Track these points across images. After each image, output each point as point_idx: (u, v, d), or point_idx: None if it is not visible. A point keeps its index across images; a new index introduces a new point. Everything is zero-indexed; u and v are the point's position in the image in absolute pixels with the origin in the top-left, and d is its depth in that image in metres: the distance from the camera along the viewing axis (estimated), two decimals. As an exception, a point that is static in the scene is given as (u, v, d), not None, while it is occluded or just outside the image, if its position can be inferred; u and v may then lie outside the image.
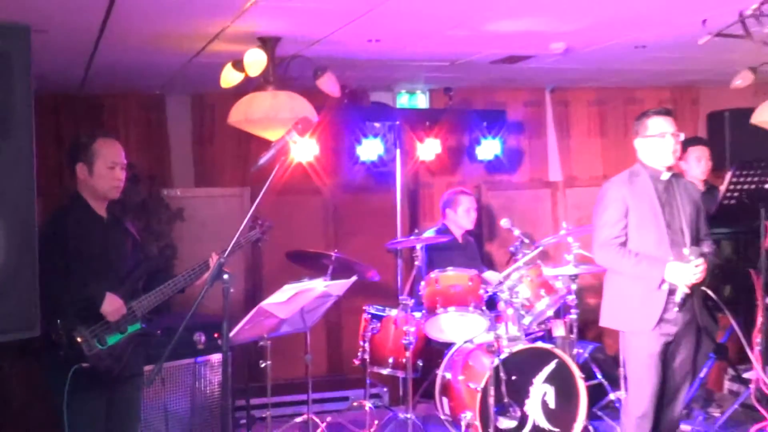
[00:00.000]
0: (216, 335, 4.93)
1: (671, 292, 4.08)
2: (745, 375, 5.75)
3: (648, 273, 4.06)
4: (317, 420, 5.53)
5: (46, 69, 5.37)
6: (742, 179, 5.25)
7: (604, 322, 4.40)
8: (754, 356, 5.61)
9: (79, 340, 3.52)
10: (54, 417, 3.44)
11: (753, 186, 5.27)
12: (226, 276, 3.26)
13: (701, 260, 4.05)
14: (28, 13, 3.86)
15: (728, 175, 5.23)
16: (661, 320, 4.09)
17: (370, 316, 5.64)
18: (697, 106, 7.88)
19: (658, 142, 4.13)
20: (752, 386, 5.64)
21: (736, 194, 5.24)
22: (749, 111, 6.03)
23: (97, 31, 4.50)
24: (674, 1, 4.36)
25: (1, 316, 2.06)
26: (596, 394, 5.66)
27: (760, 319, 5.52)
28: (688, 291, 4.04)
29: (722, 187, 5.24)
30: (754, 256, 5.44)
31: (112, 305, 3.62)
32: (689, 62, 6.34)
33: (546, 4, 4.36)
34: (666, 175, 4.21)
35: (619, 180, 4.26)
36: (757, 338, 5.56)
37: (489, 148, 6.98)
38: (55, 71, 5.50)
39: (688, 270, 3.98)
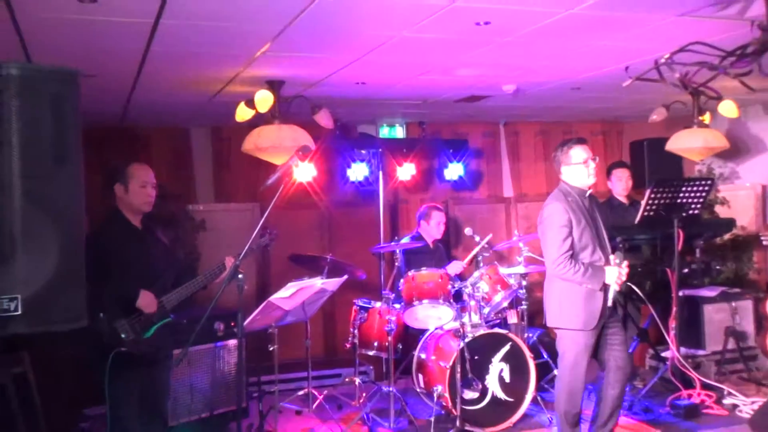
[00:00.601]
0: (232, 324, 4.93)
1: (605, 292, 4.07)
2: (663, 354, 5.79)
3: (594, 279, 4.00)
4: (315, 393, 5.53)
5: (92, 107, 5.36)
6: (659, 195, 5.29)
7: (551, 323, 4.28)
8: (670, 339, 5.66)
9: (118, 329, 3.52)
10: (98, 391, 3.43)
11: (668, 201, 5.32)
12: (240, 276, 3.28)
13: (626, 263, 4.08)
14: (78, 62, 3.86)
15: (648, 192, 5.27)
16: (601, 317, 4.07)
17: (358, 307, 5.63)
18: (621, 137, 7.97)
19: (582, 168, 4.09)
20: (668, 363, 5.68)
21: (654, 207, 5.28)
22: (664, 140, 6.10)
23: (134, 77, 4.51)
24: (602, 51, 4.41)
25: (56, 309, 2.07)
26: (543, 370, 5.69)
27: (674, 309, 5.58)
28: (618, 289, 4.06)
29: (643, 202, 5.28)
30: (669, 258, 5.49)
31: (145, 300, 3.62)
32: (615, 101, 6.40)
33: (498, 57, 4.40)
34: (587, 193, 4.18)
35: (557, 200, 4.12)
36: (672, 324, 5.61)
37: (454, 171, 7.03)
38: (99, 109, 5.50)
39: (619, 272, 4.01)
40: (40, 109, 2.10)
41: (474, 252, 5.65)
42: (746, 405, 5.24)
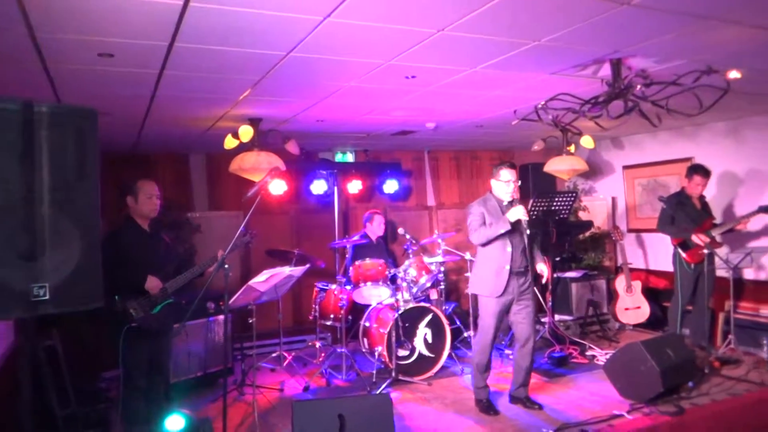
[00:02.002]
0: (221, 303, 4.83)
1: (511, 273, 4.02)
2: (542, 319, 5.92)
3: (498, 224, 3.95)
4: (286, 354, 5.46)
5: (111, 137, 5.19)
6: (539, 204, 5.41)
7: (470, 290, 4.30)
8: (547, 308, 5.78)
9: (130, 308, 3.40)
10: (113, 358, 3.31)
11: (545, 208, 5.44)
12: (226, 266, 3.20)
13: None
14: (98, 102, 3.74)
15: (531, 202, 5.38)
16: (504, 292, 4.05)
17: (319, 288, 5.60)
18: (513, 161, 8.10)
19: (504, 185, 4.07)
20: (546, 326, 5.80)
21: (536, 212, 5.39)
22: (542, 164, 6.24)
23: (143, 115, 4.37)
24: (497, 99, 4.48)
25: (77, 294, 1.99)
26: (456, 333, 5.74)
27: (549, 286, 5.70)
28: (526, 217, 3.93)
29: (528, 208, 5.37)
30: (546, 248, 5.61)
31: (152, 283, 3.52)
32: (507, 135, 6.50)
33: (422, 102, 4.44)
34: (507, 202, 4.12)
35: (479, 202, 4.16)
36: (549, 297, 5.74)
37: (391, 186, 7.02)
38: (117, 139, 5.32)
39: (521, 208, 3.93)
40: (65, 138, 2.03)
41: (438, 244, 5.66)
42: (601, 355, 5.36)
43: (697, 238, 5.10)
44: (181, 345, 4.75)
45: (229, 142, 4.81)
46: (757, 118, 5.86)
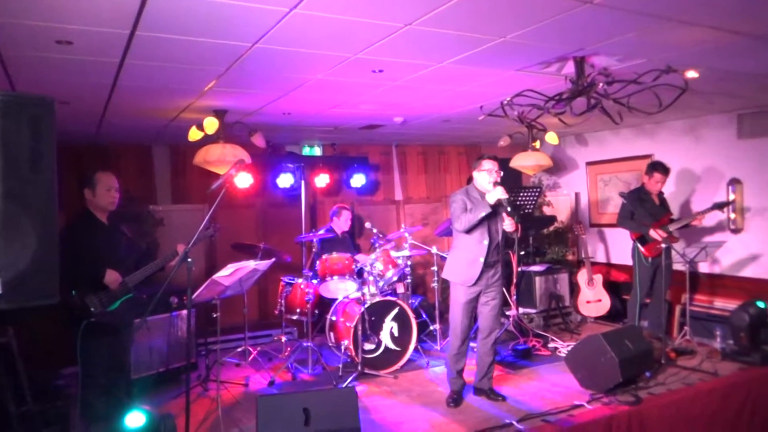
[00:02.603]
0: (184, 298, 4.73)
1: (486, 264, 4.05)
2: (507, 312, 6.01)
3: (479, 208, 3.95)
4: (251, 349, 5.40)
5: (70, 128, 5.04)
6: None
7: (444, 275, 4.29)
8: (512, 301, 5.88)
9: (88, 303, 3.32)
10: (72, 354, 3.22)
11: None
12: (189, 260, 3.15)
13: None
14: (56, 91, 3.63)
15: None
16: (475, 283, 4.08)
17: (285, 283, 5.56)
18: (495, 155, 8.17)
19: (486, 174, 4.06)
20: (511, 319, 5.89)
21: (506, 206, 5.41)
22: (508, 159, 6.32)
23: (104, 105, 4.26)
24: (464, 94, 4.51)
25: (32, 289, 1.93)
26: (422, 327, 5.78)
27: (515, 280, 5.79)
28: (506, 195, 3.92)
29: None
30: (511, 242, 5.67)
31: (111, 277, 3.44)
32: (474, 130, 6.55)
33: (389, 97, 4.44)
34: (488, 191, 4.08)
35: (462, 191, 4.17)
36: (513, 291, 5.83)
37: (359, 180, 7.00)
38: (77, 129, 5.16)
39: (499, 189, 3.92)
40: (19, 128, 1.97)
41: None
42: (563, 347, 5.47)
43: (655, 233, 5.26)
44: (143, 340, 4.65)
45: (194, 134, 4.73)
46: (713, 117, 6.06)
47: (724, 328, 5.22)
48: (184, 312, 4.91)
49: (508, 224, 4.03)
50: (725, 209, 5.33)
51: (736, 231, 5.91)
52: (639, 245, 5.46)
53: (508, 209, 3.96)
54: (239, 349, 5.39)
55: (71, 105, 4.10)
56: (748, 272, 5.83)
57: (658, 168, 5.46)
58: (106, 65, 3.27)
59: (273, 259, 4.48)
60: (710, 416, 4.10)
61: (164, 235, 5.99)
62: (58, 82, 3.54)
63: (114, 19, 2.60)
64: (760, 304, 4.85)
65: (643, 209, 5.42)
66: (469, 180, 4.48)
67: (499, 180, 4.03)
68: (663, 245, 5.02)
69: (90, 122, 4.90)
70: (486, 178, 4.08)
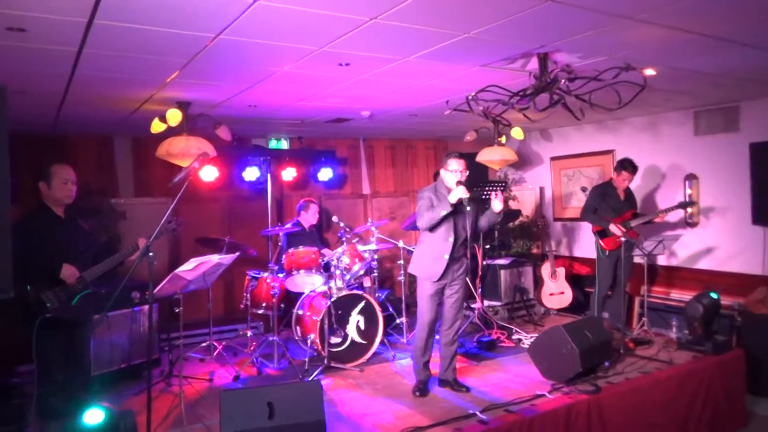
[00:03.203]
0: (146, 293, 4.66)
1: (452, 259, 4.09)
2: (472, 305, 6.09)
3: (441, 208, 3.98)
4: (216, 344, 5.35)
5: (26, 117, 4.87)
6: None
7: (410, 270, 4.31)
8: (477, 294, 5.96)
9: (44, 299, 3.23)
10: (28, 351, 3.13)
11: (475, 197, 5.54)
12: (151, 254, 3.10)
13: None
14: (10, 79, 3.51)
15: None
16: (441, 278, 4.11)
17: (250, 277, 5.51)
18: (445, 151, 8.16)
19: (452, 174, 4.08)
20: (476, 311, 5.98)
21: (468, 201, 5.46)
22: (475, 154, 6.39)
23: (62, 95, 4.13)
24: (430, 89, 4.54)
25: (-17, 284, 1.87)
26: (389, 320, 5.80)
27: (479, 273, 5.87)
28: (467, 195, 3.92)
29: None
30: (476, 236, 5.75)
31: (67, 272, 3.35)
32: (441, 125, 6.60)
33: (356, 90, 4.43)
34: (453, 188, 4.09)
35: (430, 188, 4.18)
36: (479, 284, 5.91)
37: (326, 174, 6.99)
38: (33, 119, 5.00)
39: (460, 188, 3.93)
40: (-32, 116, 1.89)
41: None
42: (527, 339, 5.57)
43: (615, 228, 5.40)
44: (104, 336, 4.56)
45: (157, 126, 4.63)
46: (671, 114, 6.25)
47: (679, 318, 5.40)
48: (147, 307, 4.82)
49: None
50: (688, 208, 5.52)
51: (693, 225, 6.11)
52: (599, 238, 5.60)
53: (468, 209, 3.93)
54: (204, 344, 5.33)
55: (27, 94, 3.97)
56: (703, 264, 6.04)
57: (627, 167, 5.58)
58: (63, 54, 3.17)
59: (237, 253, 4.43)
60: (666, 403, 4.25)
61: (127, 229, 5.87)
62: (11, 69, 3.42)
63: (70, 7, 2.53)
64: (714, 296, 5.03)
65: (606, 204, 5.56)
66: (436, 175, 4.52)
67: (463, 179, 4.07)
68: (623, 239, 5.16)
69: (47, 112, 4.75)
70: (452, 178, 4.10)
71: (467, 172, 4.13)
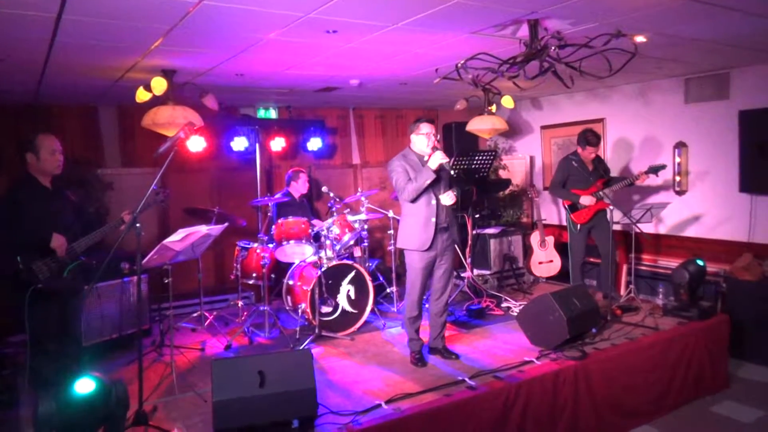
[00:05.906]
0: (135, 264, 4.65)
1: (437, 227, 4.08)
2: (462, 274, 6.13)
3: (422, 175, 3.97)
4: (207, 314, 5.39)
5: (6, 86, 4.77)
6: (460, 162, 5.50)
7: (398, 244, 4.29)
8: (467, 263, 6.00)
9: (35, 270, 3.22)
10: (19, 322, 3.14)
11: (465, 166, 5.54)
12: (138, 225, 3.08)
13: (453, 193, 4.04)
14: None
15: (452, 159, 5.44)
16: (430, 246, 4.11)
17: (240, 247, 5.51)
18: (437, 120, 8.11)
19: (423, 138, 4.09)
20: (465, 280, 6.03)
21: (457, 169, 5.48)
22: (465, 123, 6.36)
23: (43, 62, 4.04)
24: (419, 57, 4.48)
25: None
26: (379, 289, 5.86)
27: (469, 242, 5.91)
28: (446, 160, 3.94)
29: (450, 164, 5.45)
30: (467, 205, 5.77)
31: (57, 242, 3.34)
32: (431, 94, 6.54)
33: (344, 58, 4.37)
34: (425, 158, 4.09)
35: (399, 157, 4.16)
36: (468, 253, 5.95)
37: (315, 144, 6.94)
38: (14, 88, 4.90)
39: (438, 153, 3.93)
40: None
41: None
42: (516, 307, 5.64)
43: (586, 199, 5.42)
44: (95, 307, 4.57)
45: (141, 95, 4.55)
46: (662, 82, 6.22)
47: (666, 285, 5.49)
48: (136, 278, 4.82)
49: (448, 198, 4.04)
50: (659, 173, 5.47)
51: (681, 193, 6.15)
52: (569, 211, 5.62)
53: (453, 173, 3.96)
54: (195, 315, 5.36)
55: (6, 61, 3.88)
56: (690, 232, 6.11)
57: (591, 140, 5.45)
58: (42, 20, 3.09)
59: (226, 224, 4.42)
60: (651, 368, 4.35)
61: (115, 200, 5.83)
62: (-11, 37, 3.34)
63: (47, -29, 2.46)
64: (700, 262, 5.10)
65: (573, 177, 5.55)
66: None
67: (437, 144, 4.06)
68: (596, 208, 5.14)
69: (29, 80, 4.65)
70: (424, 142, 4.10)
71: (439, 136, 4.12)
